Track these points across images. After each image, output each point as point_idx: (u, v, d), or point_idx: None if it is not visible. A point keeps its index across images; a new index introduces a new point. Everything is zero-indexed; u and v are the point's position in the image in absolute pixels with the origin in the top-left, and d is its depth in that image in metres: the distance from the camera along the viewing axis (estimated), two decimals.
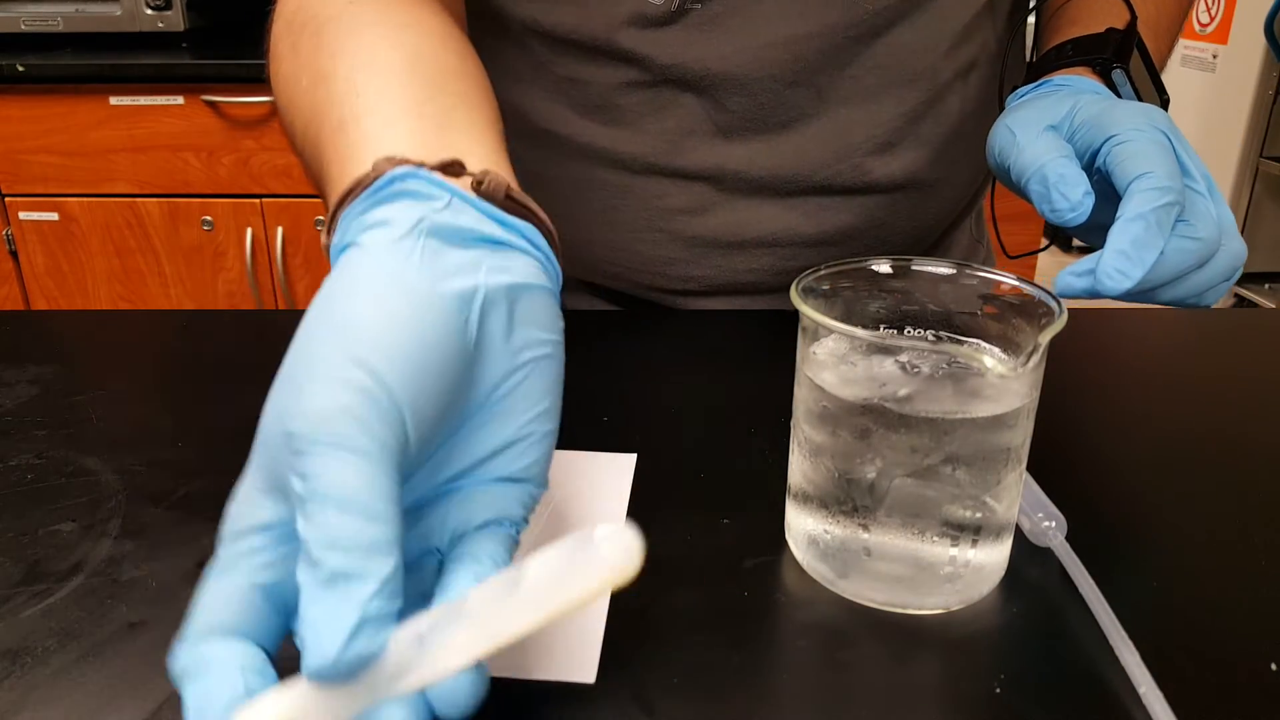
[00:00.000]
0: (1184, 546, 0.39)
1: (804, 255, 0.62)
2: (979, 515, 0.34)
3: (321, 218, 1.82)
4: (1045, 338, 0.32)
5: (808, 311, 0.34)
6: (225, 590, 0.26)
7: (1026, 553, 0.38)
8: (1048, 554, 0.38)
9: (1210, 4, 2.76)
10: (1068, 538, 0.37)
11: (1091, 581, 0.34)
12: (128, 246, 1.86)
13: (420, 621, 0.24)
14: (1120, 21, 0.52)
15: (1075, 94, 0.47)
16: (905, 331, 0.39)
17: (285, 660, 0.26)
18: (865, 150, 0.59)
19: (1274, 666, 0.33)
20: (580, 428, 0.48)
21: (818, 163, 0.59)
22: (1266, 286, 2.79)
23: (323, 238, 0.34)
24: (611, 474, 0.44)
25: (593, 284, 0.68)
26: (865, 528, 0.34)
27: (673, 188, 0.60)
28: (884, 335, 0.38)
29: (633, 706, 0.31)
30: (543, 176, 0.63)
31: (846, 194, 0.61)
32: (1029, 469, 0.36)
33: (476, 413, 0.29)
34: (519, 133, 0.62)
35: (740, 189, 0.60)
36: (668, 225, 0.61)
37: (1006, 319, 0.37)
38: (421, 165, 0.31)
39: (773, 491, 0.41)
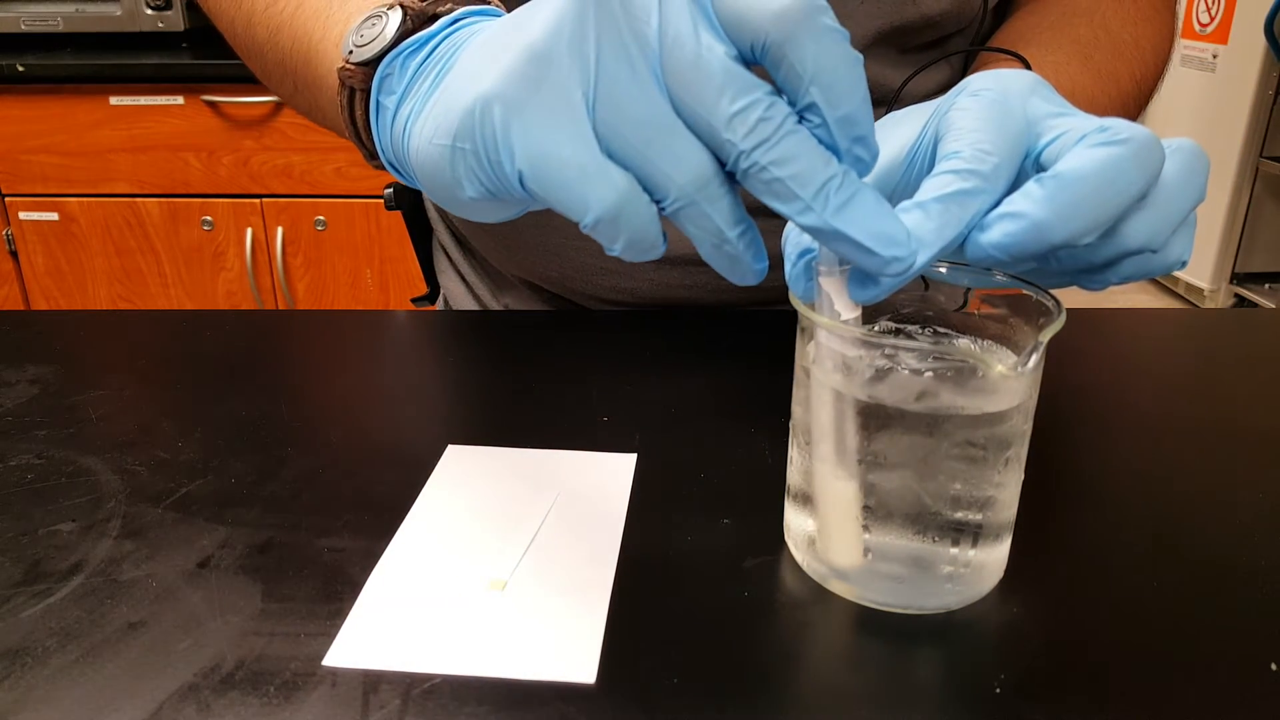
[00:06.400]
0: (1184, 545, 0.39)
1: None
2: (979, 515, 0.34)
3: (323, 217, 1.83)
4: (1045, 337, 0.32)
5: (806, 311, 0.34)
6: None
7: (1027, 553, 0.38)
8: (1048, 554, 0.38)
9: (1210, 4, 2.76)
10: None
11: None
12: (128, 246, 1.86)
13: None
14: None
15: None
16: (904, 331, 0.39)
17: None
18: None
19: (1274, 666, 0.33)
20: (580, 428, 0.48)
21: None
22: (1266, 286, 2.79)
23: (342, 94, 0.36)
24: (611, 474, 0.44)
25: (533, 284, 0.68)
26: (865, 528, 0.34)
27: None
28: (883, 335, 0.38)
29: (633, 706, 0.31)
30: None
31: (780, 216, 0.59)
32: (1027, 467, 0.36)
33: None
34: None
35: None
36: None
37: (1005, 318, 0.37)
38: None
39: (773, 491, 0.41)
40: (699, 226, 0.29)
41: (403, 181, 0.37)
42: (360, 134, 0.36)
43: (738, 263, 0.30)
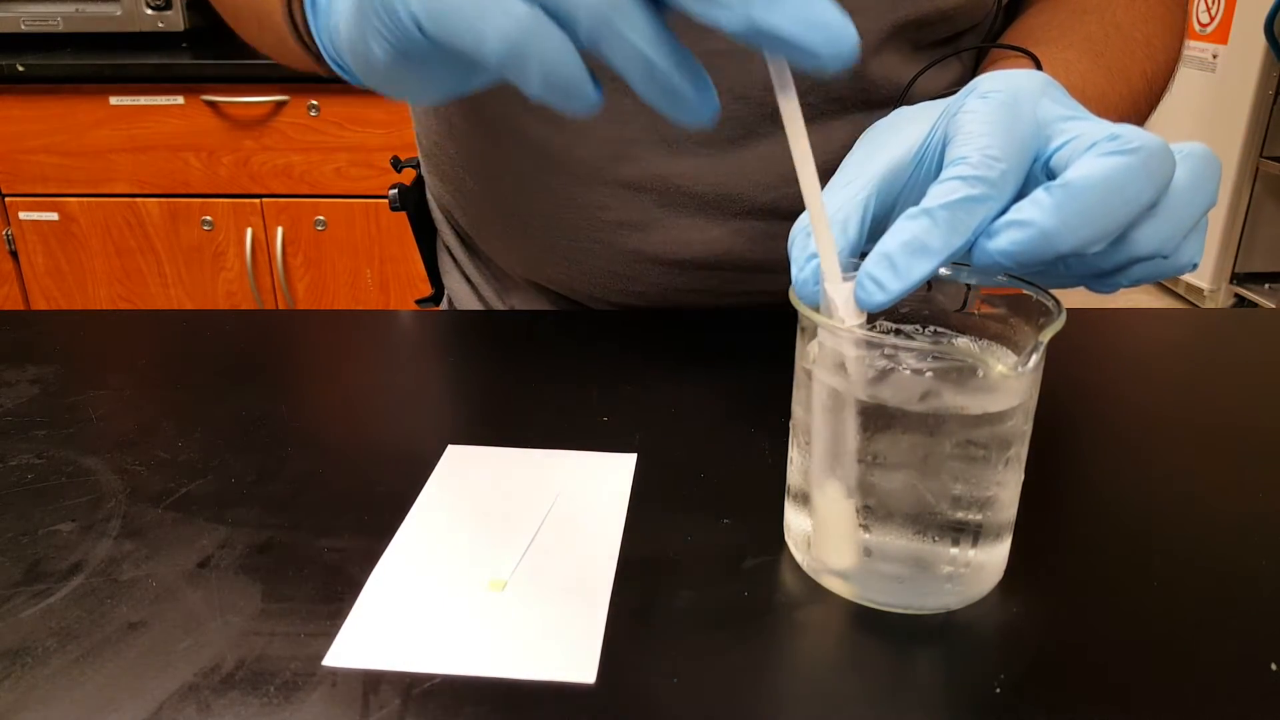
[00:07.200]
0: (1184, 546, 0.39)
1: (749, 280, 0.61)
2: (979, 515, 0.34)
3: (323, 217, 1.83)
4: (1045, 337, 0.32)
5: (807, 312, 0.34)
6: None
7: (1027, 553, 0.38)
8: (1048, 554, 0.38)
9: (1210, 4, 2.76)
10: None
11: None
12: (128, 246, 1.86)
13: None
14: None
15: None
16: (904, 331, 0.39)
17: None
18: None
19: (1274, 666, 0.33)
20: (580, 428, 0.48)
21: (762, 184, 0.57)
22: (1266, 286, 2.79)
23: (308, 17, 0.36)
24: (611, 474, 0.44)
25: (539, 286, 0.68)
26: (865, 528, 0.34)
27: (615, 199, 0.59)
28: (883, 335, 0.38)
29: (633, 706, 0.31)
30: (494, 171, 0.62)
31: (792, 220, 0.59)
32: (1027, 467, 0.36)
33: None
34: (475, 121, 0.62)
35: (684, 205, 0.58)
36: (609, 237, 0.60)
37: (1005, 318, 0.37)
38: None
39: (773, 491, 0.41)
40: (621, 54, 0.27)
41: (346, 79, 0.37)
42: (304, 39, 0.37)
43: (676, 96, 0.27)
